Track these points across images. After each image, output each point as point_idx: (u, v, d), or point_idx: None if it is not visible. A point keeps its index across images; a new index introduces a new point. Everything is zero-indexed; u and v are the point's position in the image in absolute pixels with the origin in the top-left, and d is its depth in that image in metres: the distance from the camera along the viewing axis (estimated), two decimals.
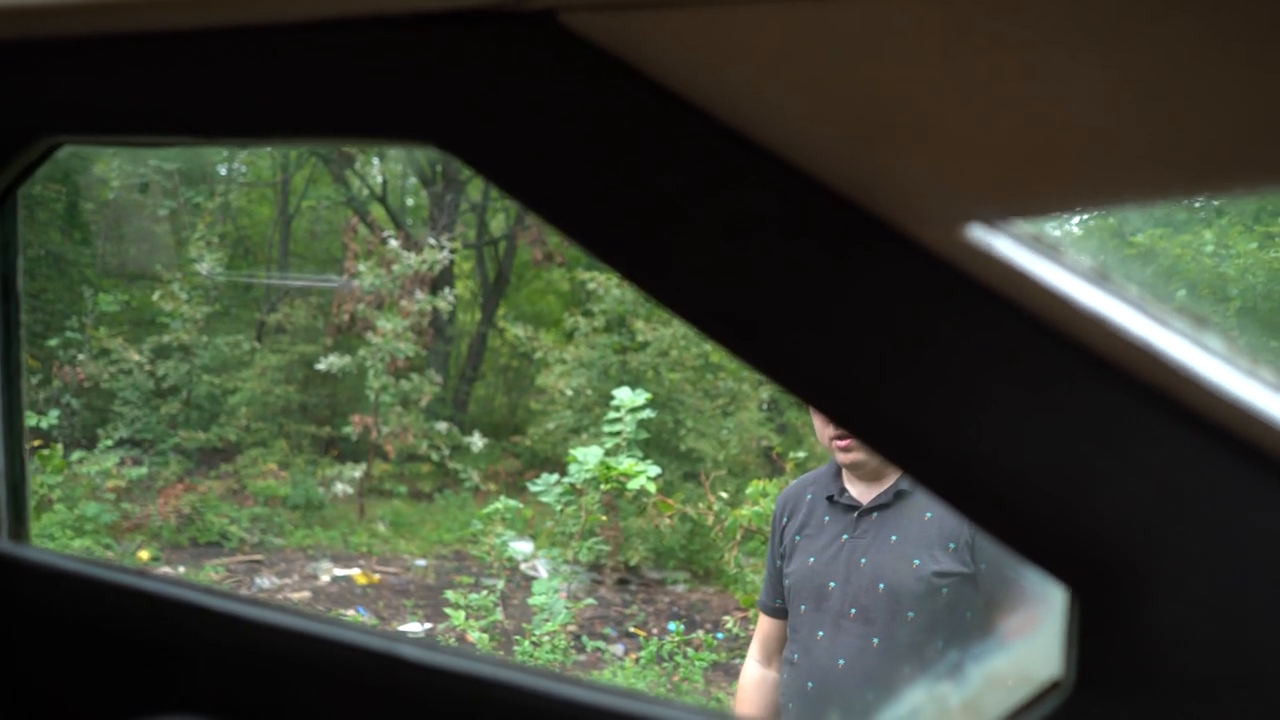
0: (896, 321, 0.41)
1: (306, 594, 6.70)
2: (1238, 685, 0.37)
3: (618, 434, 4.59)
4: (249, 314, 11.55)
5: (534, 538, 6.69)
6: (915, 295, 0.41)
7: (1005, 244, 0.40)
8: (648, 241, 0.43)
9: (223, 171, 12.56)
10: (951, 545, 1.55)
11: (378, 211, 12.17)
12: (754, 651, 1.93)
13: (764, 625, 1.89)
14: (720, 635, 5.40)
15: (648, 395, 4.75)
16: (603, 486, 4.44)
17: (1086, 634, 0.39)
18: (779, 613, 1.82)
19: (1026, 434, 0.40)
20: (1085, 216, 10.20)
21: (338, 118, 0.47)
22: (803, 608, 1.70)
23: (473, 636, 4.38)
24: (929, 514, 1.61)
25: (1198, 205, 8.13)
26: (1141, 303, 0.40)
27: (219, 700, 0.55)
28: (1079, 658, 0.40)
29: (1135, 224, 6.99)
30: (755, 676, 1.87)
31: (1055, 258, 0.41)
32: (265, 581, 6.96)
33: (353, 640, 0.53)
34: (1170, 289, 5.95)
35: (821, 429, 1.73)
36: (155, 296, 8.62)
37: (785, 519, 1.82)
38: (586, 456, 4.53)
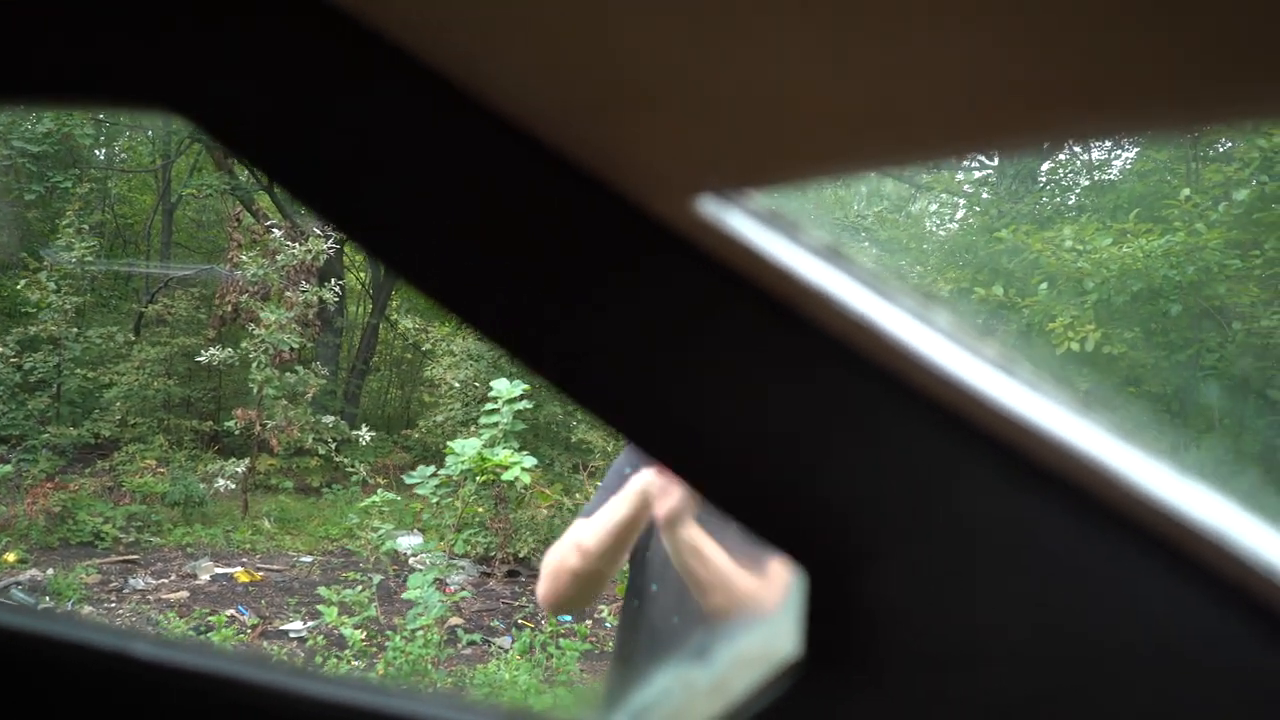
0: (628, 294, 0.40)
1: (184, 594, 6.49)
2: (959, 656, 0.38)
3: (495, 425, 4.56)
4: (127, 305, 11.11)
5: (423, 530, 6.61)
6: (647, 267, 0.40)
7: (738, 218, 0.40)
8: (389, 213, 0.42)
9: (100, 155, 12.04)
10: None
11: (264, 201, 11.81)
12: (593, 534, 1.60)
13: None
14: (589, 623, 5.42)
15: (525, 386, 4.73)
16: (479, 479, 4.41)
17: (817, 611, 0.40)
18: None
19: (757, 410, 0.40)
20: (938, 210, 10.52)
21: (70, 80, 0.44)
22: (654, 587, 1.68)
23: (346, 633, 4.31)
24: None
25: (1070, 202, 8.46)
26: (873, 280, 0.40)
27: None
28: (810, 635, 0.40)
29: (1004, 220, 7.26)
30: (584, 541, 1.59)
31: (790, 233, 0.40)
32: (140, 582, 6.71)
33: (82, 639, 0.51)
34: (1034, 282, 6.18)
35: None
36: (20, 286, 8.21)
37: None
38: (464, 449, 4.50)
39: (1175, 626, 0.38)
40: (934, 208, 10.77)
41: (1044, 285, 6.06)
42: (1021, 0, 0.31)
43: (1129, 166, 8.44)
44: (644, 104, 0.38)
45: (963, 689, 0.39)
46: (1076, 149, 8.79)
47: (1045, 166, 8.75)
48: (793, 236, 0.41)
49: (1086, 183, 8.90)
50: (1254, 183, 5.72)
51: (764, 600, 1.43)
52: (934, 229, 10.99)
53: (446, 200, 0.41)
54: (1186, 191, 5.76)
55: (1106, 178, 8.85)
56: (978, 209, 8.60)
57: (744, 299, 0.40)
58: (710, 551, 1.47)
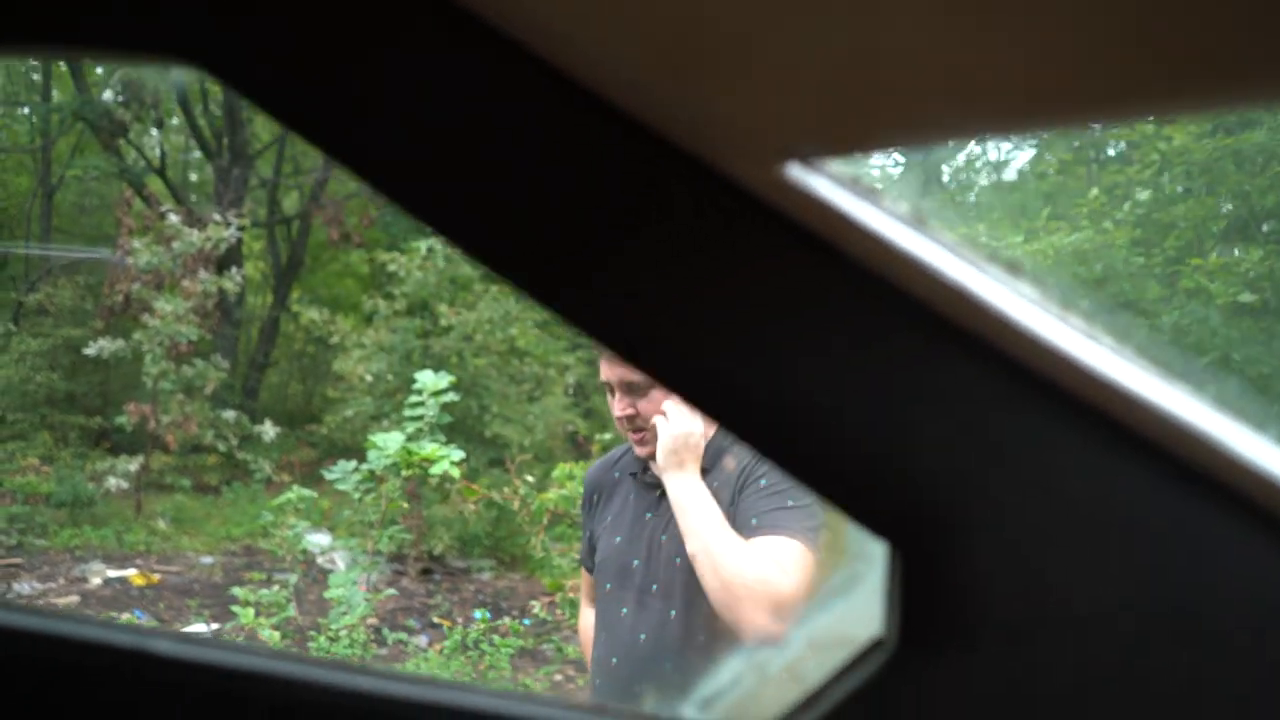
0: (711, 264, 0.39)
1: (74, 598, 6.16)
2: (1052, 628, 0.37)
3: (420, 418, 4.44)
4: (4, 294, 10.50)
5: (331, 529, 6.42)
6: (731, 236, 0.38)
7: (823, 185, 0.38)
8: (440, 176, 0.39)
9: None
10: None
11: (156, 185, 11.29)
12: (585, 602, 1.94)
13: (587, 578, 1.89)
14: (527, 621, 5.35)
15: (450, 378, 4.61)
16: (404, 473, 4.28)
17: (908, 590, 0.38)
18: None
19: (846, 382, 0.38)
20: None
21: (95, 29, 0.41)
22: (608, 586, 1.70)
23: (264, 634, 4.13)
24: (715, 483, 1.61)
25: (971, 200, 8.75)
26: (958, 248, 0.39)
27: None
28: (901, 614, 0.38)
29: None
30: (591, 621, 1.85)
31: (873, 200, 0.39)
32: (26, 587, 6.34)
33: (98, 638, 0.47)
34: None
35: (618, 417, 1.69)
36: None
37: (596, 496, 1.83)
38: (387, 442, 4.36)
39: (1270, 592, 0.37)
40: None
41: None
42: None
43: (1025, 168, 8.79)
44: (727, 72, 0.36)
45: (1056, 659, 0.38)
46: (980, 149, 9.11)
47: (948, 166, 9.03)
48: (876, 203, 0.39)
49: (985, 182, 9.22)
50: (1162, 182, 6.01)
51: (748, 574, 1.45)
52: (868, 174, 11.23)
53: (521, 172, 0.39)
54: (1095, 191, 6.01)
55: (1005, 178, 9.19)
56: None
57: (831, 267, 0.38)
58: (699, 501, 1.53)
